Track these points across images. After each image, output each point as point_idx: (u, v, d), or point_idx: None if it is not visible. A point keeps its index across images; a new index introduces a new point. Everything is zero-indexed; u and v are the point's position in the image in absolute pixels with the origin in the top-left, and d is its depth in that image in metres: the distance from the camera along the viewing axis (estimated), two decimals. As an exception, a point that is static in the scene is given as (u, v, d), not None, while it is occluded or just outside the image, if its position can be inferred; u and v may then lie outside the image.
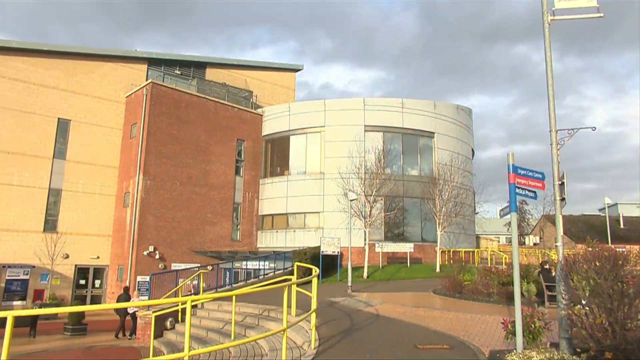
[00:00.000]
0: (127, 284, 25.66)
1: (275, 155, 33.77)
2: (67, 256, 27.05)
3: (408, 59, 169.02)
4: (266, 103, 36.48)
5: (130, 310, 17.39)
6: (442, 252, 28.55)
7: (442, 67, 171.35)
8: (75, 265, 27.52)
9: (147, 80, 30.52)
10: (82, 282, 27.63)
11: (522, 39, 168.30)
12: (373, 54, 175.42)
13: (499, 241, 55.53)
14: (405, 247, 27.49)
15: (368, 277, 24.50)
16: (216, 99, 31.43)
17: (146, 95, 28.15)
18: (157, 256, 26.89)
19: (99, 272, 28.19)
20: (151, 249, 26.64)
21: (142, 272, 25.92)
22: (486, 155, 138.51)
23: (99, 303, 26.70)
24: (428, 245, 29.92)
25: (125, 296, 18.62)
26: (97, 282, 28.11)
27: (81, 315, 18.61)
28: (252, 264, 25.78)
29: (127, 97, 30.33)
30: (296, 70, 39.59)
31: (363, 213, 25.69)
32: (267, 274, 24.28)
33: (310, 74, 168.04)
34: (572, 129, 7.89)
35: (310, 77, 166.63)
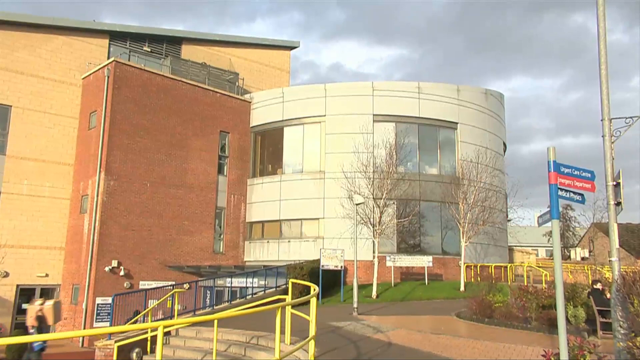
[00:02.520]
0: (84, 307, 25.54)
1: (266, 150, 33.84)
2: (7, 274, 26.75)
3: (436, 34, 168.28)
4: (255, 87, 36.50)
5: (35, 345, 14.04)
6: (467, 267, 28.59)
7: (476, 44, 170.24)
8: (17, 286, 27.08)
9: (109, 58, 30.44)
10: (26, 306, 27.36)
11: (578, 7, 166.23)
12: (394, 27, 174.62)
13: (537, 254, 55.39)
14: (423, 261, 27.48)
15: (378, 296, 24.52)
16: (194, 82, 31.42)
17: (108, 77, 27.87)
18: (121, 273, 26.69)
19: (47, 293, 27.81)
20: (114, 264, 26.48)
21: (102, 292, 25.74)
22: (527, 149, 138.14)
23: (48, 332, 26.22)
24: (450, 258, 30.01)
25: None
26: (46, 306, 27.81)
27: (23, 347, 18.27)
28: (238, 281, 25.88)
29: (84, 78, 30.18)
30: (291, 48, 39.58)
31: (371, 220, 25.64)
32: (256, 293, 24.39)
33: (317, 52, 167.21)
34: (630, 118, 7.68)
35: (317, 56, 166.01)
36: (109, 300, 24.17)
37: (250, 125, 33.44)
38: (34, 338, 5.35)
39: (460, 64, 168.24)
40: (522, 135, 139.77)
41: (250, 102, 33.67)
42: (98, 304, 25.42)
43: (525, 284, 22.92)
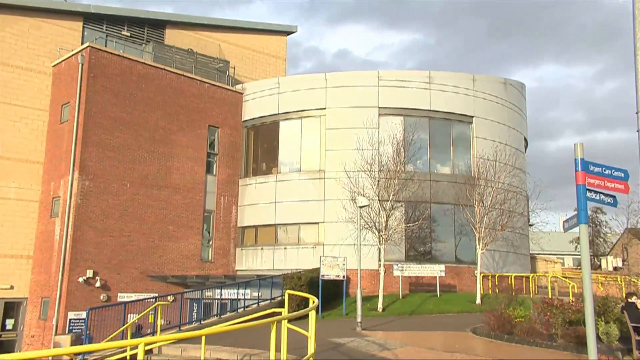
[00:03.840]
0: (54, 323, 25.38)
1: (260, 147, 33.91)
2: (-36, 287, 26.65)
3: (455, 17, 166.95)
4: (248, 77, 36.47)
5: None
6: (483, 277, 28.62)
7: (501, 27, 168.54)
8: (-23, 299, 27.09)
9: (83, 43, 30.24)
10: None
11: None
12: (408, 9, 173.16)
13: (563, 264, 55.44)
14: (434, 270, 27.51)
15: (384, 310, 24.61)
16: (180, 71, 31.40)
17: (82, 65, 27.76)
18: (97, 284, 26.58)
19: (12, 307, 27.74)
20: (89, 274, 26.34)
21: (76, 306, 25.58)
22: (555, 146, 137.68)
23: (12, 351, 26.05)
24: (465, 267, 30.06)
25: None
26: (10, 322, 27.62)
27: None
28: (228, 293, 25.94)
29: (54, 66, 30.01)
30: (288, 34, 39.65)
31: (377, 224, 25.70)
32: (248, 306, 24.35)
33: (322, 37, 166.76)
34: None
35: (322, 42, 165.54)
36: (83, 315, 23.95)
37: (242, 119, 33.44)
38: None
39: (481, 51, 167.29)
40: (549, 130, 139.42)
41: (242, 94, 33.67)
42: (70, 320, 25.16)
43: (550, 296, 22.48)
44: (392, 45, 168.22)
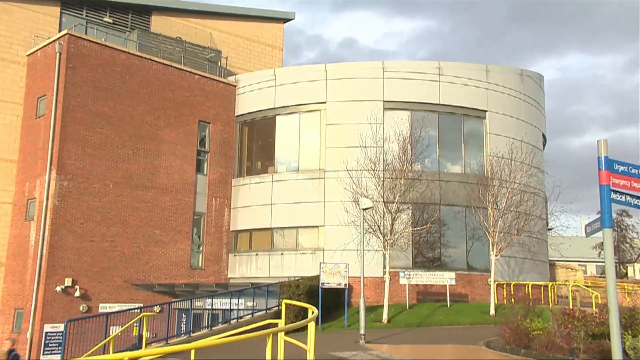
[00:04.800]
0: (29, 336, 25.21)
1: (255, 144, 33.95)
2: None
3: (472, 1, 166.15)
4: (241, 68, 36.45)
5: None
6: (498, 285, 28.52)
7: (523, 12, 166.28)
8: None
9: (60, 30, 30.12)
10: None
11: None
12: None
13: (585, 271, 55.35)
14: (444, 278, 27.48)
15: (389, 321, 24.57)
16: (167, 61, 31.34)
17: (60, 54, 27.62)
18: (77, 293, 26.46)
19: (-18, 320, 27.73)
20: (68, 282, 26.25)
21: (53, 317, 25.43)
22: (579, 143, 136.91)
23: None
24: (477, 275, 29.98)
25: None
26: (-22, 337, 27.56)
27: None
28: (220, 303, 25.96)
29: (29, 55, 29.93)
30: (285, 21, 39.73)
31: (382, 228, 25.63)
32: (242, 317, 24.38)
33: (326, 25, 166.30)
34: None
35: (326, 30, 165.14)
36: (61, 327, 23.74)
37: (236, 114, 33.40)
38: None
39: (500, 39, 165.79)
40: (572, 126, 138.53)
41: (235, 86, 33.61)
42: (47, 333, 25.00)
43: (571, 307, 23.17)
44: (402, 34, 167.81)
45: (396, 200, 25.64)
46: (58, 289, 25.92)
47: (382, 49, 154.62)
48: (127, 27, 33.08)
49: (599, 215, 8.25)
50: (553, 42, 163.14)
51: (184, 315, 27.33)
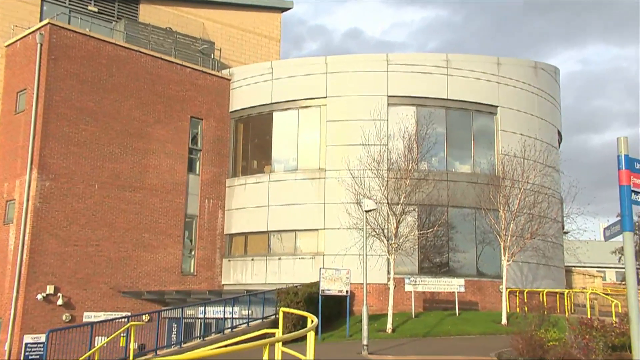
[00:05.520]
0: (7, 348, 25.12)
1: (251, 141, 34.02)
2: None
3: None
4: (236, 61, 36.55)
5: None
6: (510, 293, 28.58)
7: (540, 1, 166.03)
8: None
9: (41, 19, 29.98)
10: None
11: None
12: None
13: (603, 278, 55.32)
14: (452, 285, 27.57)
15: (394, 330, 24.54)
16: (157, 54, 31.37)
17: (41, 45, 27.57)
18: (59, 301, 26.39)
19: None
20: (50, 290, 26.18)
21: (33, 328, 25.36)
22: (600, 140, 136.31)
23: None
24: (488, 282, 29.98)
25: None
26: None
27: None
28: (213, 311, 25.94)
29: (8, 46, 29.90)
30: (283, 10, 39.98)
31: (386, 231, 25.68)
32: (237, 327, 24.52)
33: (330, 14, 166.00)
34: None
35: (330, 19, 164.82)
36: (42, 338, 23.79)
37: (230, 110, 33.47)
38: None
39: (516, 30, 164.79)
40: (593, 122, 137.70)
41: (229, 80, 33.65)
42: (27, 344, 24.97)
43: (589, 316, 22.93)
44: (411, 24, 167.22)
45: (401, 201, 25.60)
46: (39, 296, 25.81)
47: (389, 40, 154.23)
48: (113, 17, 33.04)
49: (618, 218, 8.05)
50: (573, 32, 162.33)
51: (174, 325, 27.48)
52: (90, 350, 19.91)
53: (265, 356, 8.44)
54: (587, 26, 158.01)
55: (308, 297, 24.71)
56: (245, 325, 24.48)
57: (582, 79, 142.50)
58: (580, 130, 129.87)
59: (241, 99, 33.07)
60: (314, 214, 29.85)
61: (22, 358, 24.29)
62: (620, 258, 62.16)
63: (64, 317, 26.19)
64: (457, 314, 27.05)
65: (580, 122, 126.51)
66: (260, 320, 24.88)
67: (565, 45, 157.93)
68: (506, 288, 27.16)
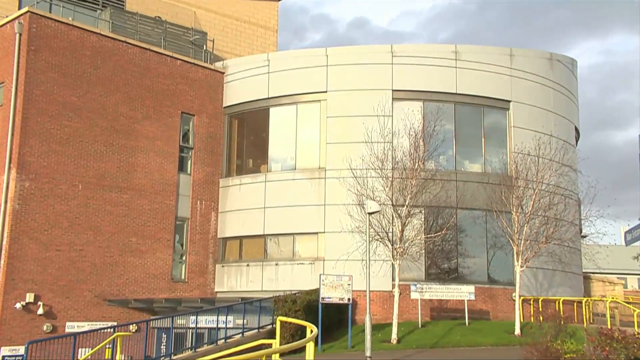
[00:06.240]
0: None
1: (246, 139, 34.05)
2: None
3: None
4: (230, 53, 36.66)
5: None
6: (523, 301, 28.60)
7: None
8: None
9: (20, 7, 30.04)
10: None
11: None
12: None
13: (625, 285, 55.30)
14: (462, 293, 27.65)
15: (399, 341, 24.52)
16: (145, 45, 31.35)
17: (20, 35, 27.45)
18: (40, 311, 26.34)
19: None
20: (30, 298, 26.15)
21: (11, 339, 25.29)
22: (623, 137, 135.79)
23: None
24: (500, 289, 29.98)
25: None
26: None
27: None
28: (206, 320, 25.96)
29: (-17, 36, 30.00)
30: (279, -1, 39.48)
31: (390, 235, 25.76)
32: (231, 337, 24.71)
33: (335, 2, 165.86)
34: None
35: (334, 8, 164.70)
36: (21, 350, 23.77)
37: (224, 105, 33.44)
38: None
39: (534, 18, 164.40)
40: (617, 117, 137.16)
41: (223, 73, 33.64)
42: (4, 357, 24.93)
43: (609, 326, 22.72)
44: (421, 13, 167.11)
45: (407, 203, 25.59)
46: (18, 305, 25.77)
47: (397, 30, 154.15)
48: (98, 5, 32.93)
49: (643, 221, 7.77)
50: (594, 21, 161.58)
51: (164, 335, 27.44)
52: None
53: (262, 369, 8.39)
54: (611, 14, 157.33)
55: (307, 305, 24.75)
56: (240, 335, 24.59)
57: (604, 72, 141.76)
58: (601, 126, 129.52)
59: (236, 93, 33.02)
60: (313, 217, 29.82)
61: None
62: (643, 264, 62.26)
63: (44, 328, 26.13)
64: (467, 324, 27.00)
65: (601, 118, 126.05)
66: (256, 330, 24.91)
67: (586, 36, 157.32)
68: (519, 296, 27.05)
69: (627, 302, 29.39)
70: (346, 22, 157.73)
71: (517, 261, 27.07)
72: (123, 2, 34.00)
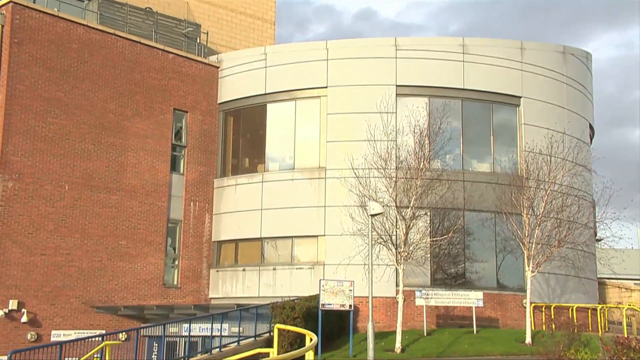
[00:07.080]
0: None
1: (242, 137, 34.10)
2: None
3: None
4: (225, 46, 36.78)
5: None
6: (535, 308, 28.62)
7: None
8: None
9: (3, -3, 30.38)
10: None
11: None
12: None
13: (642, 291, 55.06)
14: (469, 299, 27.63)
15: (403, 350, 24.45)
16: (135, 37, 31.39)
17: (2, 27, 27.53)
18: (23, 318, 26.37)
19: None
20: (13, 305, 26.15)
21: None
22: None
23: None
24: (509, 295, 30.01)
25: None
26: None
27: None
28: (199, 328, 25.88)
29: (-36, 29, 30.04)
30: (279, -12, 39.39)
31: (394, 238, 25.76)
32: (226, 346, 24.67)
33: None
34: None
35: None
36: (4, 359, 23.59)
37: (218, 102, 33.53)
38: None
39: (549, 9, 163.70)
40: (636, 114, 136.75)
41: (217, 67, 33.71)
42: None
43: (625, 335, 22.72)
44: (431, 3, 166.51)
45: (411, 204, 25.61)
46: (0, 313, 25.79)
47: (405, 22, 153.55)
48: (85, -5, 33.17)
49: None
50: (614, 11, 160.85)
51: (155, 344, 27.48)
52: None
53: (259, 378, 8.46)
54: (632, 4, 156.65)
55: (306, 312, 24.68)
56: (236, 344, 24.56)
57: (624, 66, 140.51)
58: (619, 123, 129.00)
59: (231, 88, 33.06)
60: (313, 219, 29.80)
61: (-20, 383, 24.16)
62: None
63: (28, 336, 26.20)
64: (475, 332, 26.96)
65: (619, 115, 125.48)
66: (253, 339, 24.85)
67: (606, 27, 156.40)
68: (530, 302, 27.01)
69: (646, 310, 29.49)
70: (352, 14, 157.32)
71: (528, 266, 26.93)
72: (112, -8, 34.35)
